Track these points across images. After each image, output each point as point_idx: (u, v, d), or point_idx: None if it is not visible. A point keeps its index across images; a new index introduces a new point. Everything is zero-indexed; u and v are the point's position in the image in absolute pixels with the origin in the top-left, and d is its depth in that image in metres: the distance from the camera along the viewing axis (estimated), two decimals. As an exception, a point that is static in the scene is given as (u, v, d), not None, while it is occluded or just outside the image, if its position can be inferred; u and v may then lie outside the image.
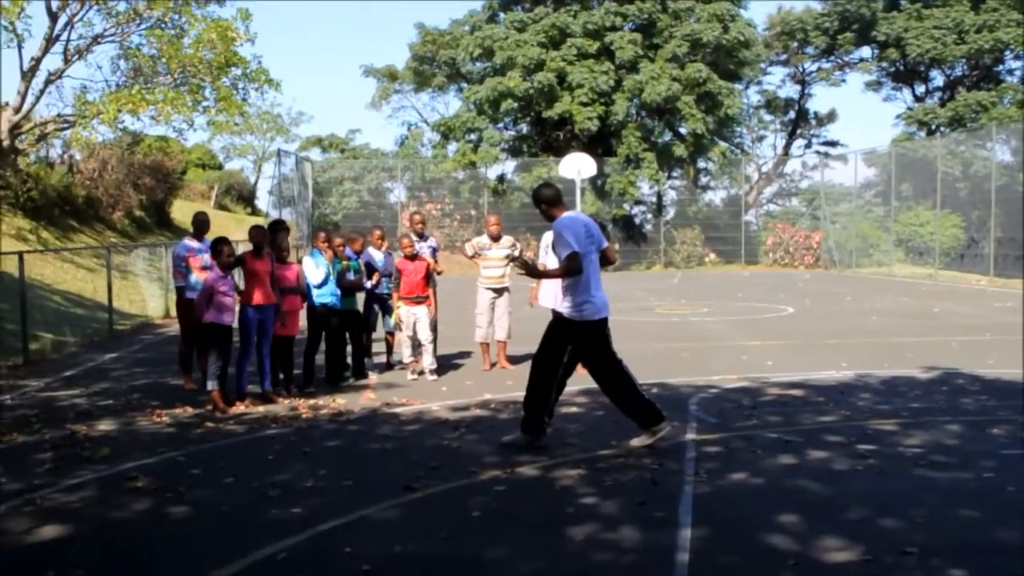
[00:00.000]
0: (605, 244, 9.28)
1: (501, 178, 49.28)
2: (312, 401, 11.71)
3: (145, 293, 24.41)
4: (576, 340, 9.08)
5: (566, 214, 9.13)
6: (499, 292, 14.28)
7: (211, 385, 11.25)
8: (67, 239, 28.52)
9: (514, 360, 14.54)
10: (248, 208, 56.86)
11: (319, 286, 12.81)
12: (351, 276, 13.35)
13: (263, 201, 59.73)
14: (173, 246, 14.99)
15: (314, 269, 12.79)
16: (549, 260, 13.69)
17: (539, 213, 9.38)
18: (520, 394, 11.87)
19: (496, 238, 14.22)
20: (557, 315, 9.24)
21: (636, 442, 9.06)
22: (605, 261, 9.33)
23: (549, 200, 9.23)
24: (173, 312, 17.73)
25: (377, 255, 14.18)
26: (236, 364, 11.76)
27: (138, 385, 13.28)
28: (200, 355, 12.45)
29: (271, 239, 12.21)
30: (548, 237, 13.76)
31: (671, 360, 14.98)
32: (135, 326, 20.86)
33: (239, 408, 11.32)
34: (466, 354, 15.63)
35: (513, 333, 14.53)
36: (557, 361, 9.15)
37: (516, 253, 14.40)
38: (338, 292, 13.02)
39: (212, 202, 50.90)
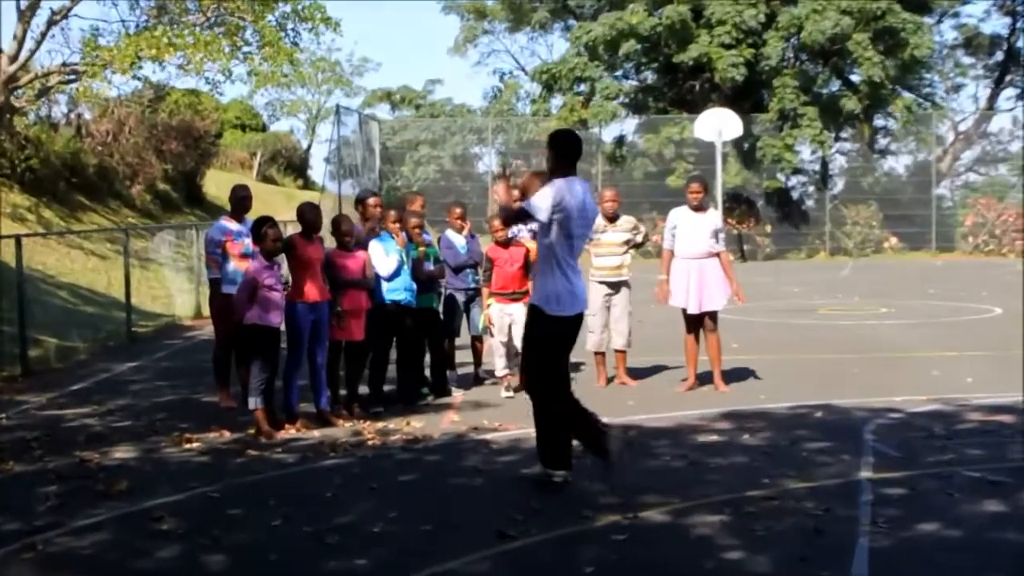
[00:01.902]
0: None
1: (620, 141, 49.25)
2: (380, 424, 11.80)
3: (172, 287, 24.81)
4: (546, 334, 9.19)
5: (573, 179, 9.18)
6: (616, 287, 14.24)
7: (254, 403, 11.37)
8: (75, 219, 29.13)
9: (636, 374, 14.50)
10: (299, 180, 57.51)
11: (390, 278, 12.84)
12: (429, 266, 13.37)
13: (318, 171, 60.41)
14: (206, 228, 15.22)
15: (383, 257, 12.81)
16: (678, 244, 13.64)
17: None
18: (644, 416, 11.91)
19: (612, 218, 14.20)
20: (531, 308, 9.36)
21: (527, 471, 9.39)
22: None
23: (568, 151, 9.26)
24: (206, 311, 18.01)
25: (457, 239, 14.13)
26: (284, 376, 11.91)
27: (163, 402, 13.51)
28: (240, 365, 12.60)
29: (332, 223, 12.35)
30: (675, 216, 13.72)
31: (840, 376, 14.81)
32: (159, 328, 21.23)
33: (289, 432, 11.44)
34: (575, 366, 15.59)
35: (636, 340, 14.49)
36: (558, 368, 9.27)
37: (639, 238, 14.35)
38: (414, 287, 13.06)
39: (254, 173, 51.58)
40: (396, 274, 12.82)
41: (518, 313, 13.33)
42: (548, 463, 9.16)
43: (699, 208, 13.69)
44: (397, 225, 13.04)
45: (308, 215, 12.04)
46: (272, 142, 58.20)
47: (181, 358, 17.50)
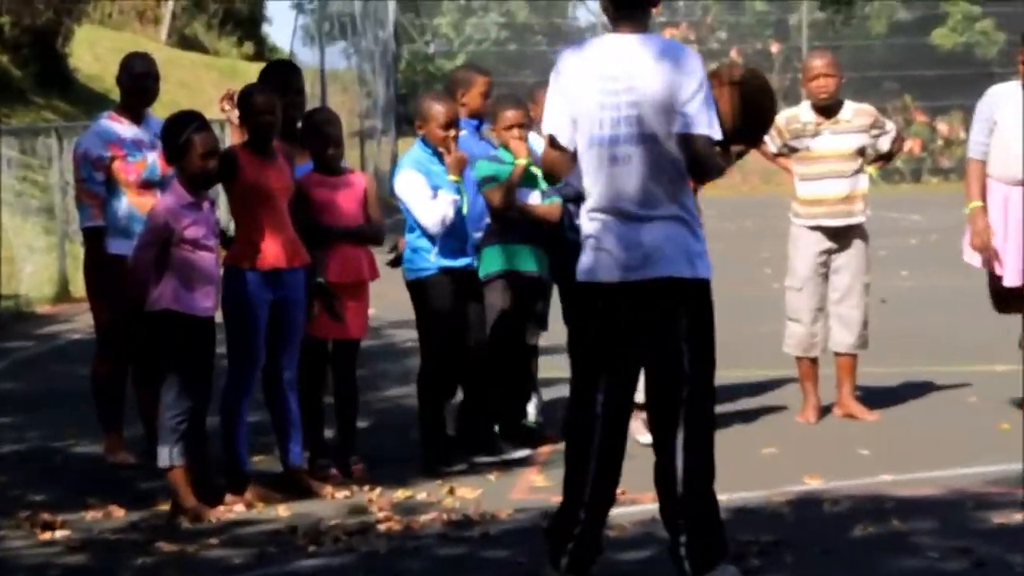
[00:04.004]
0: (691, 130, 8.87)
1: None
2: (400, 492, 11.90)
3: (15, 245, 25.02)
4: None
5: (618, 36, 8.97)
6: (842, 237, 14.18)
7: (167, 457, 11.42)
8: None
9: (874, 399, 14.46)
10: (247, 43, 57.83)
11: (435, 235, 12.56)
12: (535, 197, 12.98)
13: (281, 29, 60.72)
14: (77, 135, 15.32)
15: (422, 189, 12.70)
16: (994, 156, 13.44)
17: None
18: (891, 477, 11.94)
19: (828, 109, 14.14)
20: None
21: None
22: (696, 168, 9.08)
23: None
24: (79, 288, 18.18)
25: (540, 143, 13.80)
26: (223, 406, 12.01)
27: (5, 455, 13.69)
28: (141, 385, 12.71)
29: (306, 122, 12.36)
30: (996, 100, 13.55)
31: None
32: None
33: (234, 508, 11.56)
34: (763, 386, 15.63)
35: (873, 333, 14.42)
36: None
37: (884, 145, 14.28)
38: (474, 238, 12.89)
39: (164, 31, 51.98)
40: (450, 217, 12.54)
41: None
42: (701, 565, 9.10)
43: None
44: (515, 132, 12.78)
45: (263, 106, 11.93)
46: (197, -21, 58.65)
47: (33, 374, 17.69)
